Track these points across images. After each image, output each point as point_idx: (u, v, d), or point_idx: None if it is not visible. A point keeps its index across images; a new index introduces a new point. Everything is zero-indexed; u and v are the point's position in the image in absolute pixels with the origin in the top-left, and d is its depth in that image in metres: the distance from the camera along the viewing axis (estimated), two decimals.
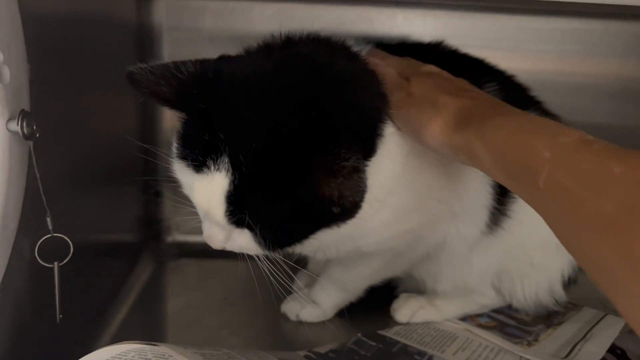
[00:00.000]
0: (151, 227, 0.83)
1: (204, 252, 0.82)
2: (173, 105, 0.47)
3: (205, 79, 0.46)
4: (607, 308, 0.71)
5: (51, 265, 0.49)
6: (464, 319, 0.70)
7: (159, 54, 0.81)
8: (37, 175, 0.46)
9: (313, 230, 0.48)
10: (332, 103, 0.45)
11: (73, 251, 0.50)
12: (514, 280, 0.69)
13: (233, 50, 0.79)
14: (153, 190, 0.82)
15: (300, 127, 0.44)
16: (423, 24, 0.81)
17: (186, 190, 0.49)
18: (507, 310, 0.71)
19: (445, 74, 0.55)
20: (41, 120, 0.45)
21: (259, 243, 0.47)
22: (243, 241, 0.48)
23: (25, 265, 0.48)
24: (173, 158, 0.48)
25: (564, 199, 0.36)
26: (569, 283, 0.71)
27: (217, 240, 0.48)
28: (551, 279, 0.69)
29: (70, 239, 0.50)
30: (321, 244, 0.52)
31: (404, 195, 0.55)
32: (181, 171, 0.47)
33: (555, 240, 0.68)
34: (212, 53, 0.81)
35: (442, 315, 0.70)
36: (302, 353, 0.60)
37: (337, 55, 0.51)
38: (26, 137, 0.43)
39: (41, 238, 0.48)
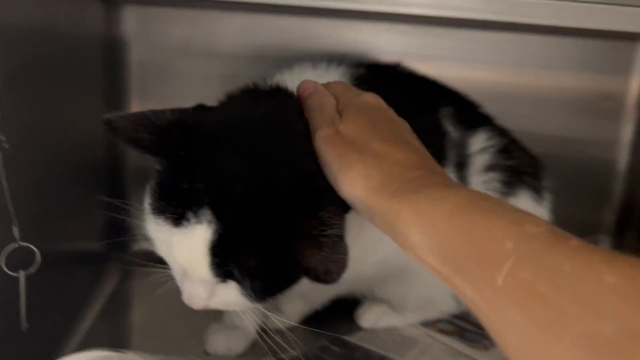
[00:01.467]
0: (118, 235, 0.83)
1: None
2: (152, 152, 0.45)
3: (185, 126, 0.44)
4: None
5: (17, 275, 0.49)
6: (426, 324, 0.72)
7: (128, 61, 0.82)
8: (6, 186, 0.46)
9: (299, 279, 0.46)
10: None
11: (40, 260, 0.50)
12: None
13: (201, 60, 0.81)
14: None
15: (286, 183, 0.43)
16: (388, 37, 0.83)
17: (161, 249, 0.46)
18: (466, 315, 0.73)
19: (385, 110, 0.47)
20: (9, 130, 0.46)
21: (248, 295, 0.44)
22: (229, 296, 0.45)
23: None
24: (146, 214, 0.45)
25: (534, 306, 0.29)
26: None
27: (199, 299, 0.45)
28: None
29: (37, 248, 0.50)
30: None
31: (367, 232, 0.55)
32: (156, 228, 0.44)
33: None
34: (180, 63, 0.83)
35: (405, 320, 0.72)
36: None
37: None
38: None
39: (7, 247, 0.49)
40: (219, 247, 0.42)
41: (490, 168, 0.66)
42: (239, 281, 0.44)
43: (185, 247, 0.42)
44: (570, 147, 0.88)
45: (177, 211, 0.42)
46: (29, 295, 0.51)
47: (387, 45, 0.83)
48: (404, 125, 0.46)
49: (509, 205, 0.35)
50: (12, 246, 0.49)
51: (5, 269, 0.49)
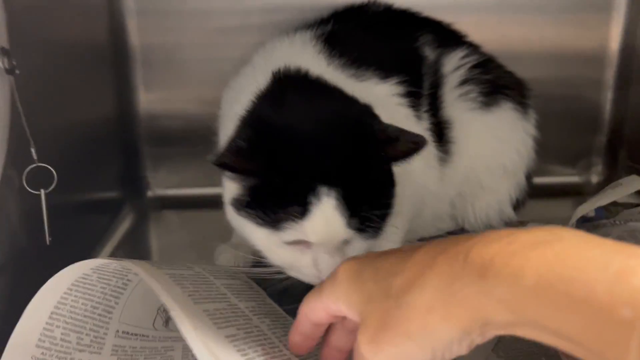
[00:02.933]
0: (132, 183, 0.90)
1: (184, 203, 0.91)
2: (258, 176, 0.50)
3: (261, 146, 0.50)
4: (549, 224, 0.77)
5: (38, 192, 0.55)
6: (421, 239, 0.76)
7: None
8: (20, 109, 0.52)
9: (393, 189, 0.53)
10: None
11: (57, 179, 0.56)
12: (466, 203, 0.76)
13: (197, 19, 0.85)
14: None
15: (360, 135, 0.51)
16: None
17: (283, 256, 0.52)
18: (460, 232, 0.78)
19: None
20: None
21: (371, 232, 0.51)
22: (359, 245, 0.52)
23: (15, 193, 0.54)
24: (255, 232, 0.51)
25: None
26: (518, 205, 0.78)
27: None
28: (500, 200, 0.76)
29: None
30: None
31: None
32: (277, 235, 0.50)
33: (501, 163, 0.74)
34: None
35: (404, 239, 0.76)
36: None
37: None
38: (7, 72, 0.49)
39: (27, 167, 0.54)
40: (346, 208, 0.48)
41: (465, 81, 0.70)
42: (363, 228, 0.50)
43: (321, 223, 0.48)
44: (557, 85, 0.91)
45: (301, 203, 0.48)
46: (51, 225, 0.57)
47: None
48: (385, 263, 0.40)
49: (595, 250, 0.29)
50: (31, 166, 0.54)
51: (27, 187, 0.54)
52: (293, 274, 0.54)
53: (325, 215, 0.48)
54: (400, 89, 0.65)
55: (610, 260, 0.27)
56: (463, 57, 0.72)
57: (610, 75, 0.91)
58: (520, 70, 0.77)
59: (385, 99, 0.63)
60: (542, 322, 0.29)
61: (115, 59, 0.84)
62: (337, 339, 0.45)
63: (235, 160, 0.49)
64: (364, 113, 0.54)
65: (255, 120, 0.53)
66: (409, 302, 0.35)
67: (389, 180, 0.53)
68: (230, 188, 0.53)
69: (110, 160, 0.85)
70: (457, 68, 0.71)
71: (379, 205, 0.51)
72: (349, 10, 0.75)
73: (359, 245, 0.52)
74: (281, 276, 0.55)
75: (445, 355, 0.35)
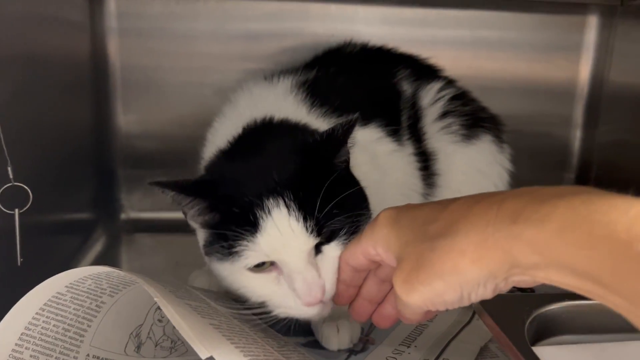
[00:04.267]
0: (106, 205, 0.88)
1: (158, 226, 0.90)
2: (196, 194, 0.50)
3: (212, 180, 0.53)
4: None
5: (12, 212, 0.54)
6: None
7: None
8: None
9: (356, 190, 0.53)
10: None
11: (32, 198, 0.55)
12: None
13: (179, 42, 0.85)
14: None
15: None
16: (355, 15, 0.89)
17: (257, 287, 0.51)
18: None
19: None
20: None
21: (344, 236, 0.50)
22: (333, 255, 0.50)
23: None
24: (221, 268, 0.51)
25: None
26: None
27: (314, 282, 0.48)
28: None
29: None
30: None
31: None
32: (239, 262, 0.49)
33: (483, 186, 0.75)
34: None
35: None
36: None
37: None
38: None
39: (3, 186, 0.53)
40: (301, 210, 0.48)
41: (445, 114, 0.72)
42: (327, 231, 0.49)
43: (275, 234, 0.47)
44: (529, 122, 0.94)
45: (252, 217, 0.48)
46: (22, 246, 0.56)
47: (352, 25, 0.88)
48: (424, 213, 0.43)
49: (617, 200, 0.31)
50: (6, 185, 0.53)
51: (1, 206, 0.53)
52: (281, 311, 0.51)
53: (278, 225, 0.47)
54: (379, 131, 0.66)
55: (631, 206, 0.30)
56: (440, 90, 0.73)
57: (579, 113, 0.95)
58: (494, 105, 0.79)
59: (367, 144, 0.64)
60: (565, 261, 0.32)
61: (94, 78, 0.84)
62: (369, 289, 0.50)
63: (176, 187, 0.49)
64: (304, 133, 0.55)
65: (211, 166, 0.56)
66: (442, 245, 0.38)
67: (346, 180, 0.52)
68: (200, 236, 0.55)
69: (85, 181, 0.83)
70: (436, 101, 0.73)
71: (339, 206, 0.49)
72: (329, 53, 0.77)
73: (334, 253, 0.50)
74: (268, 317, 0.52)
75: (471, 295, 0.38)
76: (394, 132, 0.68)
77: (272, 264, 0.49)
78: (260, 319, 0.52)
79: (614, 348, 0.43)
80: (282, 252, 0.48)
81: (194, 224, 0.54)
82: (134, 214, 0.90)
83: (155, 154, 0.89)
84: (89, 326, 0.50)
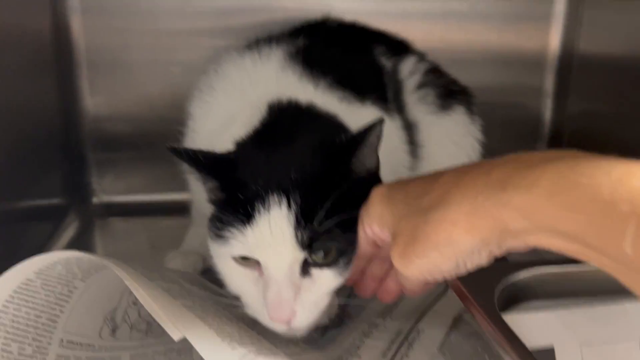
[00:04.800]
0: (77, 189, 0.87)
1: (132, 210, 0.89)
2: (209, 173, 0.49)
3: (228, 158, 0.49)
4: None
5: None
6: None
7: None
8: None
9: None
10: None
11: None
12: None
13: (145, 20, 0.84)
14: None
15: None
16: None
17: (234, 276, 0.49)
18: None
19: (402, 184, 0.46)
20: None
21: (340, 266, 0.47)
22: (320, 282, 0.47)
23: None
24: (214, 249, 0.49)
25: None
26: None
27: (287, 301, 0.45)
28: None
29: None
30: None
31: None
32: (228, 247, 0.47)
33: (457, 158, 0.75)
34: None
35: None
36: None
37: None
38: None
39: None
40: (298, 220, 0.45)
41: (422, 85, 0.72)
42: (327, 253, 0.46)
43: (266, 233, 0.45)
44: (500, 93, 0.94)
45: (250, 210, 0.45)
46: None
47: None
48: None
49: (601, 162, 0.32)
50: None
51: None
52: (251, 312, 0.49)
53: (271, 224, 0.45)
54: (375, 108, 0.65)
55: (614, 167, 0.31)
56: (416, 63, 0.74)
57: (549, 83, 0.96)
58: (465, 77, 0.79)
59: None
60: (553, 225, 0.32)
61: (59, 59, 0.81)
62: (372, 269, 0.50)
63: (191, 159, 0.48)
64: (332, 130, 0.52)
65: (239, 145, 0.52)
66: (436, 217, 0.39)
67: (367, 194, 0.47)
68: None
69: (54, 166, 0.82)
70: (413, 73, 0.73)
71: (345, 226, 0.46)
72: (309, 27, 0.75)
73: (325, 284, 0.47)
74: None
75: (467, 264, 0.39)
76: (386, 109, 0.68)
77: (258, 262, 0.47)
78: (234, 307, 0.50)
79: (581, 312, 0.44)
80: (265, 253, 0.46)
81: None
82: (107, 198, 0.89)
83: (125, 136, 0.87)
84: (61, 311, 0.50)
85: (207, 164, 0.48)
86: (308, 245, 0.45)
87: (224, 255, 0.49)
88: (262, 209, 0.45)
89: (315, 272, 0.47)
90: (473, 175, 0.38)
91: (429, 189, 0.41)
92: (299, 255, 0.46)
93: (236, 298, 0.50)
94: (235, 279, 0.49)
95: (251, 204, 0.46)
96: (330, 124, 0.55)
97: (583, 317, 0.45)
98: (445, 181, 0.40)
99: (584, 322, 0.45)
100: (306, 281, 0.47)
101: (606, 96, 0.87)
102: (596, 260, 0.32)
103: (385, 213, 0.44)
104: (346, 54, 0.71)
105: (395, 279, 0.49)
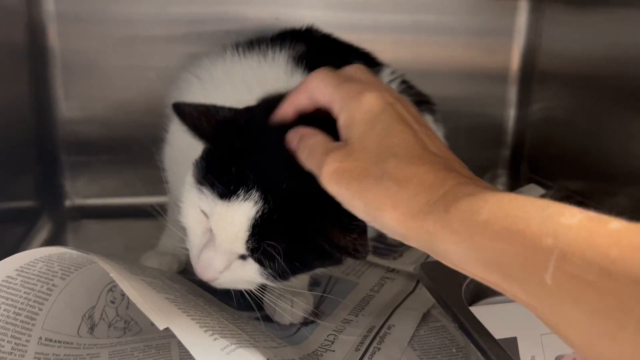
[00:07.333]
0: (49, 192, 0.87)
1: (105, 213, 0.89)
2: (208, 140, 0.50)
3: (239, 124, 0.50)
4: None
5: None
6: None
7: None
8: None
9: (322, 264, 0.52)
10: None
11: None
12: None
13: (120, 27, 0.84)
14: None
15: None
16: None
17: (190, 216, 0.50)
18: (379, 237, 0.82)
19: (393, 109, 0.43)
20: None
21: (267, 275, 0.49)
22: (244, 272, 0.50)
23: None
24: (188, 184, 0.50)
25: (588, 297, 0.28)
26: None
27: (213, 270, 0.49)
28: None
29: None
30: None
31: None
32: (198, 196, 0.49)
33: None
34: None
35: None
36: None
37: None
38: None
39: None
40: (258, 226, 0.46)
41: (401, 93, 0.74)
42: (262, 260, 0.48)
43: (228, 218, 0.47)
44: (466, 102, 0.98)
45: (228, 187, 0.47)
46: None
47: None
48: (416, 123, 0.43)
49: (540, 201, 0.33)
50: None
51: None
52: (190, 256, 0.52)
53: (234, 215, 0.47)
54: None
55: (550, 206, 0.32)
56: (392, 74, 0.76)
57: (512, 93, 1.00)
58: (433, 87, 0.81)
59: None
60: (482, 253, 0.33)
61: (34, 63, 0.81)
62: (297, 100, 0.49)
63: (196, 114, 0.48)
64: None
65: (247, 110, 0.52)
66: (388, 187, 0.38)
67: (323, 252, 0.48)
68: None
69: (27, 168, 0.81)
70: (391, 82, 0.75)
71: (293, 255, 0.48)
72: (298, 33, 0.76)
73: (252, 272, 0.50)
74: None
75: (381, 231, 0.40)
76: None
77: None
78: (210, 286, 0.52)
79: None
80: (219, 228, 0.48)
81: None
82: (79, 201, 0.89)
83: (99, 140, 0.87)
84: (40, 309, 0.50)
85: (208, 135, 0.49)
86: (252, 250, 0.48)
87: (192, 201, 0.50)
88: (240, 196, 0.46)
89: (250, 261, 0.49)
90: (439, 181, 0.38)
91: (405, 158, 0.40)
92: (243, 249, 0.48)
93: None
94: (191, 219, 0.51)
95: (235, 185, 0.47)
96: None
97: None
98: (424, 168, 0.39)
99: None
100: (239, 262, 0.50)
101: (565, 105, 0.92)
102: (509, 292, 0.33)
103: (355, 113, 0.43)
104: (339, 63, 0.72)
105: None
